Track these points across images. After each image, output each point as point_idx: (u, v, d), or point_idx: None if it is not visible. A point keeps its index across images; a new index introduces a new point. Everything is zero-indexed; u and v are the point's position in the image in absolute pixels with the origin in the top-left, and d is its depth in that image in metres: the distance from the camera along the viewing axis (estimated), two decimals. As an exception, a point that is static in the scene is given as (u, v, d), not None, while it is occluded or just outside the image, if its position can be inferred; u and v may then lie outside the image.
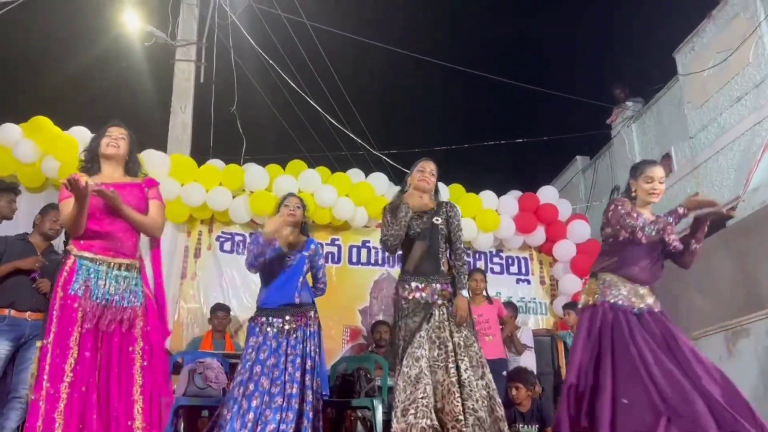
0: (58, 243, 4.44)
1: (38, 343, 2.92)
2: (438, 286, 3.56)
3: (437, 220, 3.64)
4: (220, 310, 5.93)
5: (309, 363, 3.84)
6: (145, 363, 2.98)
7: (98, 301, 2.92)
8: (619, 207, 3.35)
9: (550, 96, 9.10)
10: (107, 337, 2.93)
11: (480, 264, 7.19)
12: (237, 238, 6.73)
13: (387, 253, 4.20)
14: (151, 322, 3.10)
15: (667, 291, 6.51)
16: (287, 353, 3.79)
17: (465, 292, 3.58)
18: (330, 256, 6.90)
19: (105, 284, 2.96)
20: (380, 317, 6.67)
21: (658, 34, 10.20)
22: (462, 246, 3.72)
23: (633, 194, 3.46)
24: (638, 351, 3.12)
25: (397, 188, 6.66)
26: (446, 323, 3.48)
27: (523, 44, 14.55)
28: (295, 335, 3.85)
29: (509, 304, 6.46)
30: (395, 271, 7.05)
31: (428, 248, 3.61)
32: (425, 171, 3.77)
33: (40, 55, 11.79)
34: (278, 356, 3.78)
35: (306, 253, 4.08)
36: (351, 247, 7.04)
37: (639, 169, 3.45)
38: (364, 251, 7.08)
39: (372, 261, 7.06)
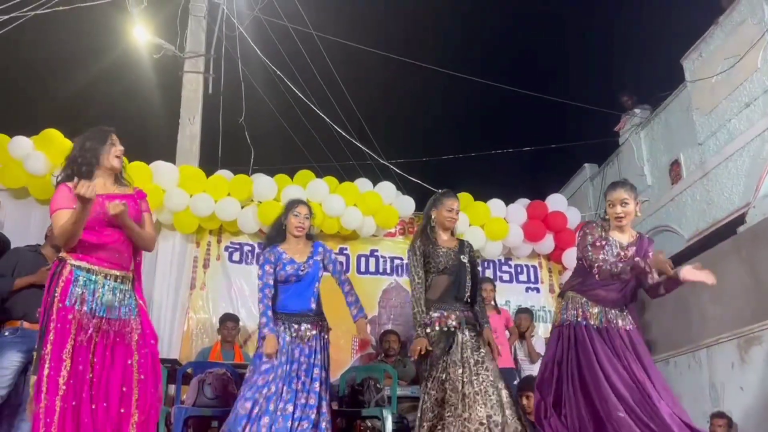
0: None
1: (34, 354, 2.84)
2: (459, 313, 3.76)
3: (464, 258, 3.86)
4: (228, 321, 5.93)
5: (324, 374, 3.83)
6: (142, 377, 2.97)
7: (94, 313, 2.88)
8: (588, 235, 3.49)
9: (557, 104, 9.09)
10: (101, 350, 2.89)
11: (489, 273, 7.16)
12: (246, 249, 6.75)
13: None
14: (146, 335, 3.07)
15: (678, 299, 6.48)
16: (301, 361, 3.74)
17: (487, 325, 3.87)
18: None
19: (101, 296, 2.92)
20: (389, 326, 6.66)
21: (665, 41, 10.18)
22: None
23: (607, 218, 3.56)
24: (600, 364, 3.30)
25: (405, 197, 6.68)
26: (469, 343, 3.69)
27: (530, 53, 14.56)
28: (311, 343, 3.81)
29: (525, 310, 6.43)
30: (403, 279, 7.05)
31: (454, 282, 3.81)
32: (453, 211, 3.95)
33: (50, 68, 11.92)
34: (293, 364, 3.72)
35: (318, 258, 4.02)
36: (359, 257, 7.04)
37: (605, 195, 3.57)
38: (372, 260, 7.07)
39: (380, 270, 7.05)
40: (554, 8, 13.75)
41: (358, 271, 6.96)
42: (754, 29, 6.56)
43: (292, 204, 4.07)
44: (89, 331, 2.86)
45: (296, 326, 3.81)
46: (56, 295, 2.84)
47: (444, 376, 3.58)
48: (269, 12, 8.48)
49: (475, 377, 3.56)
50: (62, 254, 2.95)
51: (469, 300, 3.86)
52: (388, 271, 7.06)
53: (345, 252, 6.99)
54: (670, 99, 8.05)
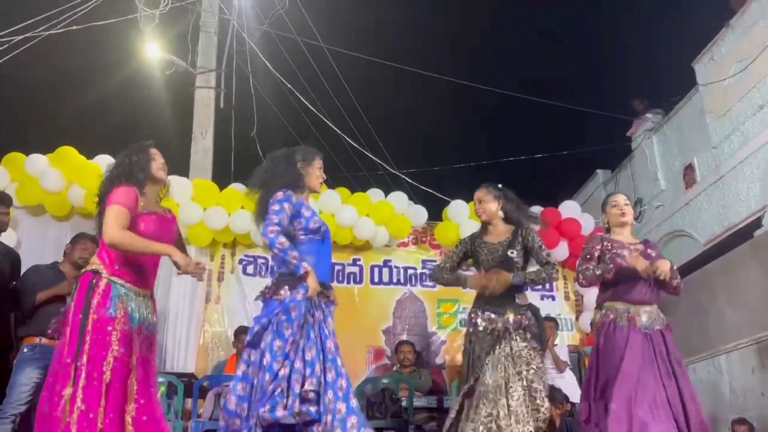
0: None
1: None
2: (511, 317, 3.51)
3: (512, 253, 3.60)
4: (243, 334, 5.91)
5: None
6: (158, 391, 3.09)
7: (135, 326, 2.93)
8: (586, 248, 3.79)
9: (569, 110, 9.07)
10: (141, 363, 2.94)
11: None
12: (259, 261, 6.77)
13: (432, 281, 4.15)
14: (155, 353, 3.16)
15: (694, 304, 6.42)
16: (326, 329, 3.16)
17: (523, 279, 3.55)
18: (352, 276, 6.90)
19: (137, 309, 2.96)
20: (404, 337, 6.64)
21: (676, 45, 10.14)
22: (549, 260, 3.68)
23: (606, 226, 3.87)
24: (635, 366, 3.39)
25: (417, 206, 6.68)
26: (522, 353, 3.44)
27: (542, 60, 14.55)
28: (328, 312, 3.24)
29: (549, 319, 6.32)
30: (417, 289, 7.04)
31: None
32: (475, 203, 3.84)
33: (64, 86, 12.07)
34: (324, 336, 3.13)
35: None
36: (372, 267, 7.03)
37: (605, 202, 3.91)
38: (386, 271, 7.06)
39: (394, 280, 7.04)
40: (565, 15, 13.76)
41: (372, 282, 6.96)
42: (766, 31, 6.52)
43: (312, 154, 3.44)
44: (130, 345, 2.89)
45: (325, 301, 3.19)
46: (92, 306, 2.84)
47: (482, 379, 3.40)
48: (278, 26, 8.56)
49: (512, 386, 3.35)
50: (95, 267, 2.95)
51: (519, 300, 3.58)
52: (402, 281, 7.04)
53: (358, 263, 6.99)
54: (683, 103, 8.01)
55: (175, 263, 3.00)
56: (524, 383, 3.36)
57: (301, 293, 2.99)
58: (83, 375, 2.74)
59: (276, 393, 2.84)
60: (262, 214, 3.25)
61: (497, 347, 3.46)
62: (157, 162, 3.19)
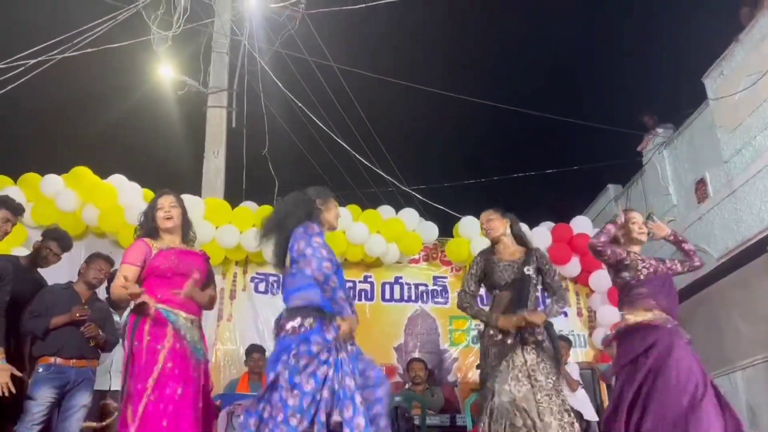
0: (101, 290, 4.54)
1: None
2: (526, 334, 3.55)
3: (528, 270, 3.68)
4: (255, 352, 5.95)
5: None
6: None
7: (185, 350, 3.12)
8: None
9: (579, 125, 9.08)
10: (191, 387, 3.10)
11: (515, 297, 7.09)
12: (271, 279, 6.79)
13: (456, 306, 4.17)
14: (208, 383, 3.32)
15: (709, 319, 6.36)
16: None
17: (543, 312, 3.63)
18: (363, 293, 6.90)
19: (187, 334, 3.18)
20: (415, 354, 6.62)
21: (686, 59, 10.15)
22: (561, 284, 3.85)
23: (622, 241, 3.86)
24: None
25: (428, 223, 6.71)
26: (540, 367, 3.48)
27: (551, 75, 14.60)
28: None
29: (562, 339, 6.27)
30: (428, 306, 7.02)
31: (518, 297, 3.66)
32: (481, 224, 3.92)
33: (79, 107, 12.25)
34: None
35: None
36: (384, 284, 7.03)
37: (628, 212, 3.96)
38: (397, 288, 7.06)
39: (405, 297, 7.03)
40: (575, 30, 13.81)
41: (383, 299, 6.95)
42: (776, 45, 6.51)
43: (327, 192, 3.45)
44: (185, 369, 3.08)
45: (351, 341, 3.14)
46: (145, 330, 3.08)
47: (506, 389, 3.42)
48: (289, 46, 8.67)
49: (539, 396, 3.39)
50: (144, 299, 3.13)
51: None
52: (413, 298, 7.04)
53: (369, 279, 6.99)
54: (693, 117, 7.99)
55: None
56: (551, 397, 3.40)
57: (333, 334, 2.98)
58: (144, 400, 2.96)
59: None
60: (282, 248, 3.26)
61: (514, 359, 3.48)
62: (161, 211, 3.43)
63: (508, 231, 3.85)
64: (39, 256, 4.43)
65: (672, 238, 3.88)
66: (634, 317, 3.50)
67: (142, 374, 3.00)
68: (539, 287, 3.80)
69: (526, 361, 3.47)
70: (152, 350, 3.04)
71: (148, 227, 3.44)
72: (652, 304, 3.50)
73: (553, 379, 3.48)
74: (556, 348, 3.61)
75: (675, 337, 3.39)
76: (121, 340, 3.30)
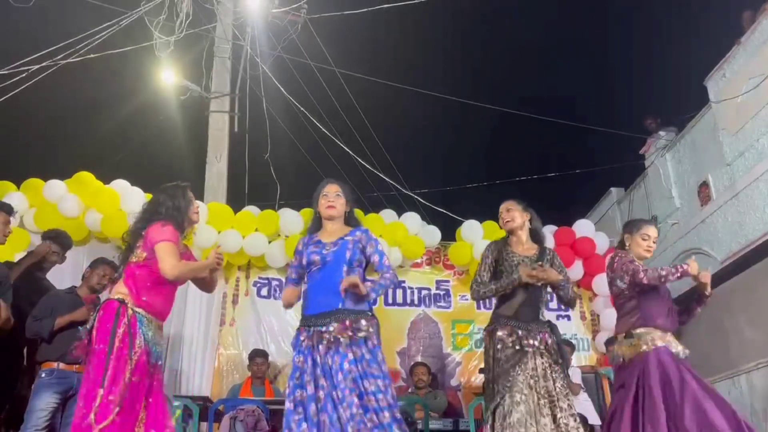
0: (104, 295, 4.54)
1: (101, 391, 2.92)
2: (539, 335, 3.50)
3: (541, 265, 3.59)
4: (258, 357, 5.95)
5: (369, 384, 2.99)
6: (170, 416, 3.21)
7: (150, 357, 3.05)
8: (625, 256, 3.63)
9: (582, 129, 9.07)
10: (154, 393, 3.05)
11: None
12: (274, 283, 6.79)
13: (471, 299, 4.07)
14: (161, 381, 3.25)
15: (713, 323, 6.34)
16: (332, 371, 3.02)
17: (566, 282, 3.61)
18: (366, 297, 6.88)
19: (155, 342, 3.10)
20: (418, 358, 6.61)
21: (688, 63, 10.15)
22: (572, 288, 3.73)
23: (627, 248, 3.73)
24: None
25: (430, 227, 6.65)
26: (548, 372, 3.42)
27: (553, 79, 14.61)
28: (339, 348, 3.05)
29: (566, 343, 6.25)
30: (431, 310, 7.01)
31: (530, 296, 3.56)
32: (501, 212, 3.79)
33: (82, 113, 12.29)
34: (320, 377, 3.04)
35: (350, 239, 3.30)
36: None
37: (636, 225, 3.78)
38: (399, 292, 7.05)
39: (408, 301, 7.02)
40: (576, 32, 13.82)
41: (386, 303, 6.94)
42: (778, 48, 6.51)
43: (321, 186, 3.52)
44: (146, 374, 3.01)
45: (323, 328, 3.08)
46: (117, 336, 2.94)
47: (519, 397, 3.32)
48: (291, 50, 8.68)
49: (556, 411, 3.31)
50: (121, 296, 3.06)
51: (543, 317, 3.57)
52: (416, 302, 7.02)
53: (372, 284, 6.98)
54: (695, 120, 7.99)
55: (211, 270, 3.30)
56: (559, 403, 3.35)
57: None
58: (99, 401, 2.83)
59: None
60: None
61: (526, 363, 3.41)
62: (195, 206, 3.39)
63: (527, 225, 3.74)
64: (43, 260, 4.46)
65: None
66: None
67: (110, 383, 2.87)
68: (549, 288, 3.68)
69: (536, 368, 3.42)
70: (122, 358, 2.92)
71: (180, 221, 3.25)
72: None
73: (562, 383, 3.44)
74: (562, 351, 3.56)
75: None
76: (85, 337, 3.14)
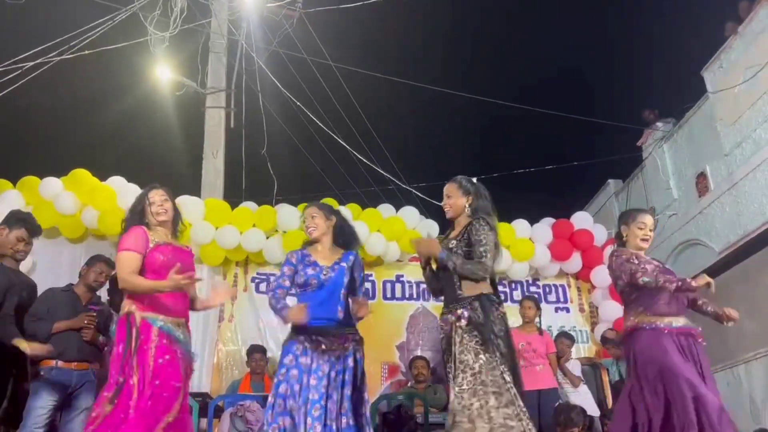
0: (102, 292, 4.53)
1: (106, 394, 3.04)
2: (454, 313, 3.32)
3: (452, 243, 3.44)
4: (256, 352, 5.94)
5: (357, 394, 3.40)
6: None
7: (178, 351, 3.12)
8: (621, 255, 3.59)
9: (579, 121, 9.06)
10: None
11: (517, 294, 7.08)
12: (272, 279, 6.77)
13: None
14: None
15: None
16: (331, 377, 3.31)
17: (447, 256, 3.34)
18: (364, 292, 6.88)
19: (178, 337, 3.15)
20: (418, 352, 6.61)
21: (684, 53, 10.13)
22: (482, 259, 3.31)
23: (624, 239, 3.69)
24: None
25: (429, 221, 6.60)
26: (465, 348, 3.21)
27: (551, 71, 14.59)
28: (342, 359, 3.38)
29: (565, 335, 6.23)
30: (430, 304, 7.00)
31: (444, 278, 3.48)
32: (444, 197, 3.72)
33: (77, 109, 12.26)
34: (322, 380, 3.28)
35: (345, 265, 3.61)
36: (385, 283, 7.02)
37: (631, 215, 3.73)
38: (398, 286, 7.04)
39: (407, 296, 7.02)
40: (574, 26, 13.80)
41: (384, 297, 6.94)
42: (775, 38, 6.50)
43: (304, 210, 3.74)
44: (179, 369, 3.08)
45: (321, 338, 3.37)
46: (132, 342, 3.02)
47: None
48: (287, 45, 8.65)
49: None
50: (127, 309, 3.11)
51: (460, 292, 3.32)
52: (415, 296, 7.02)
53: (370, 278, 6.97)
54: (693, 111, 7.99)
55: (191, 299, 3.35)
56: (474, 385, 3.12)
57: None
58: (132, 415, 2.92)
59: None
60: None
61: (453, 348, 3.24)
62: (155, 206, 3.33)
63: (468, 209, 3.53)
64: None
65: None
66: None
67: (136, 370, 2.98)
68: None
69: (458, 351, 3.26)
70: (143, 350, 3.02)
71: (139, 223, 3.28)
72: None
73: (480, 362, 3.16)
74: (487, 320, 3.25)
75: None
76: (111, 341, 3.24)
